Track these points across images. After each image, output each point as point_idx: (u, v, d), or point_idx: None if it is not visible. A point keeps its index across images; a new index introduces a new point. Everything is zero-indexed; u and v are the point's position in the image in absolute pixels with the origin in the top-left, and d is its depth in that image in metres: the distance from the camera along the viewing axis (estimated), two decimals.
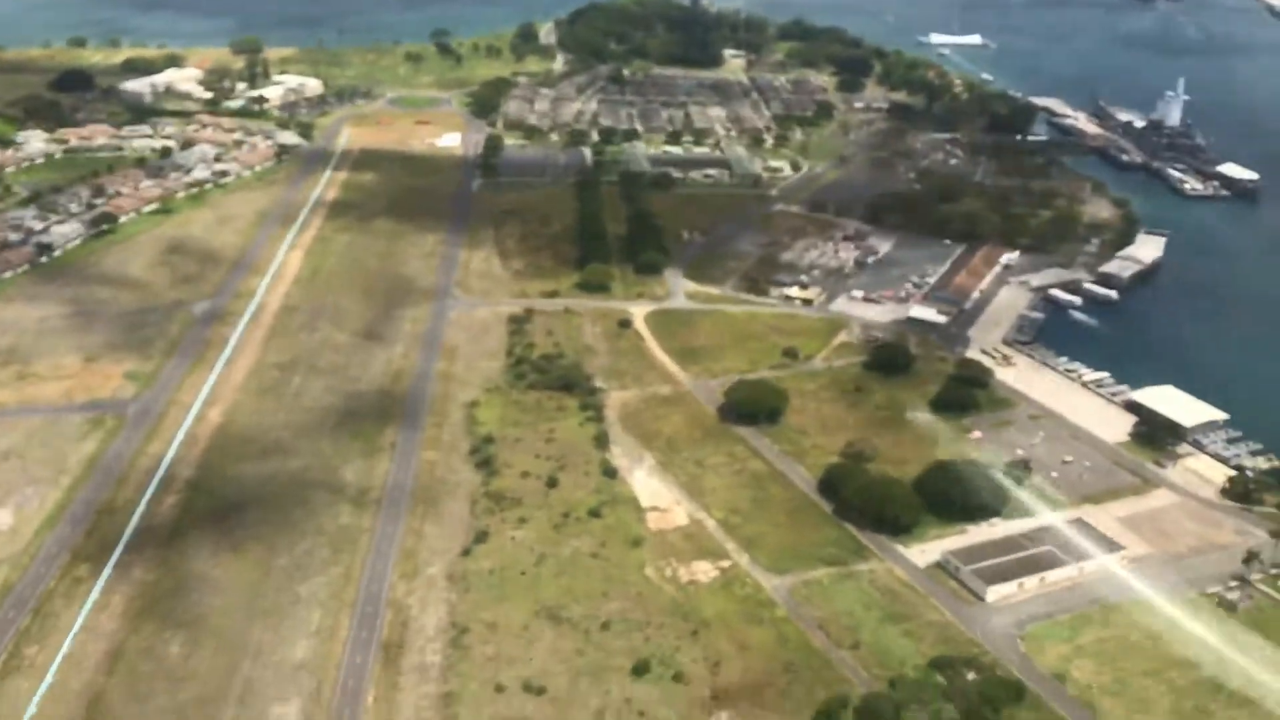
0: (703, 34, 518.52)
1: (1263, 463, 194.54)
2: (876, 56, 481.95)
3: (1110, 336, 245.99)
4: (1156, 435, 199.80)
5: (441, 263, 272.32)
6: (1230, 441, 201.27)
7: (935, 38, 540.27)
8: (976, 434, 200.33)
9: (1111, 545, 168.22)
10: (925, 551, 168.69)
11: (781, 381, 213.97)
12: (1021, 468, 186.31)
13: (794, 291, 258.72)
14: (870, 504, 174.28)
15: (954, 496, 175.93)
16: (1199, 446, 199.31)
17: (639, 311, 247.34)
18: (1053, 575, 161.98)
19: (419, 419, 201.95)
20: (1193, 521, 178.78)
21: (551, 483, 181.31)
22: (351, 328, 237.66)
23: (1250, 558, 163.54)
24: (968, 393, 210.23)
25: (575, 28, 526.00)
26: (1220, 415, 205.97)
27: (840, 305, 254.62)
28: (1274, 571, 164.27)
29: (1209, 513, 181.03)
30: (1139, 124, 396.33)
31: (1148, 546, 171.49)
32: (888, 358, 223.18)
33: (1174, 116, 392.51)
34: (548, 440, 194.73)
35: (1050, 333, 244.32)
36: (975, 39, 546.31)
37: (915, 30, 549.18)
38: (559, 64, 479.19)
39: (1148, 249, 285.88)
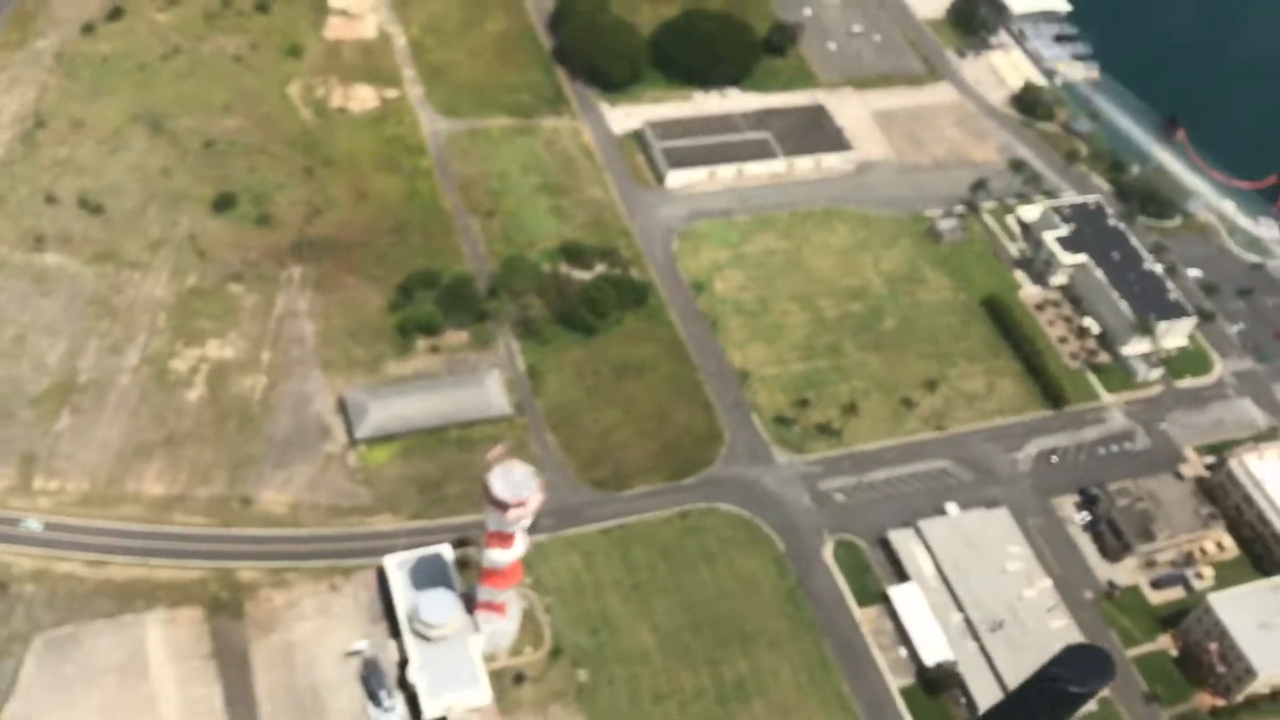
0: None
1: (1080, 72, 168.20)
2: None
3: None
4: (976, 15, 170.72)
5: None
6: (1059, 39, 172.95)
7: None
8: None
9: (840, 143, 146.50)
10: (631, 115, 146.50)
11: None
12: (788, 32, 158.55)
13: None
14: (589, 49, 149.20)
15: (688, 56, 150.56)
16: (1020, 39, 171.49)
17: None
18: (753, 168, 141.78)
19: None
20: (958, 129, 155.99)
21: None
22: None
23: (978, 185, 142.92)
24: None
25: None
26: (1064, 6, 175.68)
27: None
28: (1013, 201, 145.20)
29: (983, 121, 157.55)
30: None
31: (889, 150, 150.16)
32: None
33: None
34: None
35: None
36: None
37: None
38: None
39: None
